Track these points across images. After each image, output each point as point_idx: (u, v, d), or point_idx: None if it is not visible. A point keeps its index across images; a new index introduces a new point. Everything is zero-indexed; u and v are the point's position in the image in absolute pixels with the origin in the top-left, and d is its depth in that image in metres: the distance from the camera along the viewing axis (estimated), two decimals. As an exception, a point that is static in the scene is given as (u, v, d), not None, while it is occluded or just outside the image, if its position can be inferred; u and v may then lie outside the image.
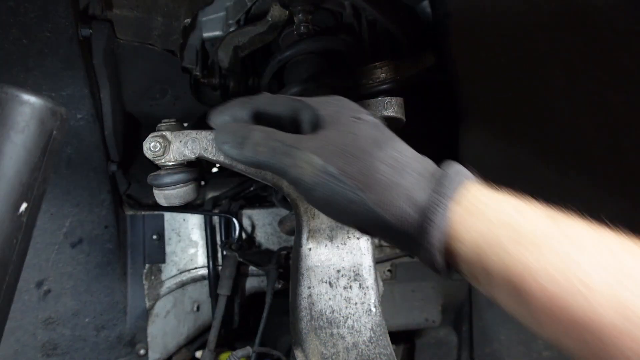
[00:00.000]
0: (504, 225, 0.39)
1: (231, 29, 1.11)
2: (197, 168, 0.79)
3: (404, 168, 0.44)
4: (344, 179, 0.44)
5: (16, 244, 0.40)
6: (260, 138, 0.49)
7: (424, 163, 0.46)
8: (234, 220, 1.21)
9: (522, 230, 0.38)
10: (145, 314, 1.18)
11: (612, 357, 0.33)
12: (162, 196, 0.77)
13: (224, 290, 1.16)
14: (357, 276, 0.74)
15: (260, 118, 0.54)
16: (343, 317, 0.73)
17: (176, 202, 0.78)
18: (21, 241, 0.40)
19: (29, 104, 0.40)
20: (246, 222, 1.26)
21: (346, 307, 0.73)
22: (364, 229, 0.49)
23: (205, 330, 1.28)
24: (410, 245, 0.44)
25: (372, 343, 0.72)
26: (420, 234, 0.42)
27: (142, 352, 1.17)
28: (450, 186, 0.42)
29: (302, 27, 1.01)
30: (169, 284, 1.21)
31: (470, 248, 0.40)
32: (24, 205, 0.40)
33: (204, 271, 1.23)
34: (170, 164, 0.75)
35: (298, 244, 0.76)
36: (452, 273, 0.45)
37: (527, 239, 0.37)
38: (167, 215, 1.22)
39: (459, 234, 0.41)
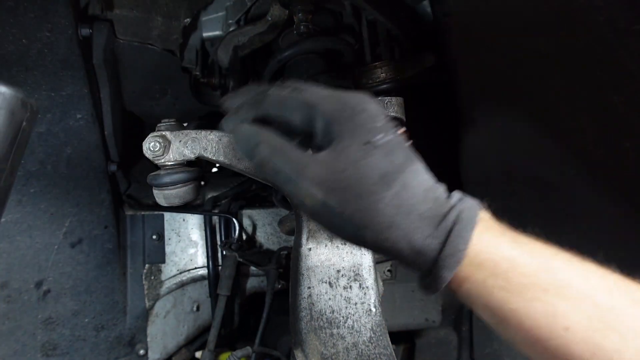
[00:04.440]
0: (502, 275, 0.44)
1: (231, 29, 1.11)
2: (197, 168, 0.79)
3: (410, 210, 0.44)
4: (343, 216, 0.45)
5: None
6: (266, 154, 0.48)
7: (433, 202, 0.45)
8: (234, 220, 1.21)
9: (515, 281, 0.43)
10: (145, 314, 1.18)
11: None
12: (162, 196, 0.77)
13: (224, 291, 1.16)
14: (357, 276, 0.74)
15: (271, 121, 0.53)
16: (343, 317, 0.73)
17: (176, 202, 0.78)
18: None
19: (0, 93, 0.39)
20: (246, 222, 1.26)
21: (346, 307, 0.73)
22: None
23: (205, 330, 1.28)
24: (412, 267, 0.47)
25: (372, 343, 0.72)
26: (426, 275, 0.46)
27: (141, 352, 1.17)
28: (460, 241, 0.44)
29: (302, 27, 1.01)
30: (168, 284, 1.21)
31: (470, 290, 0.45)
32: None
33: (204, 271, 1.23)
34: (170, 164, 0.75)
35: (298, 244, 0.75)
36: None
37: (520, 286, 0.43)
38: (167, 215, 1.22)
39: (465, 280, 0.45)
